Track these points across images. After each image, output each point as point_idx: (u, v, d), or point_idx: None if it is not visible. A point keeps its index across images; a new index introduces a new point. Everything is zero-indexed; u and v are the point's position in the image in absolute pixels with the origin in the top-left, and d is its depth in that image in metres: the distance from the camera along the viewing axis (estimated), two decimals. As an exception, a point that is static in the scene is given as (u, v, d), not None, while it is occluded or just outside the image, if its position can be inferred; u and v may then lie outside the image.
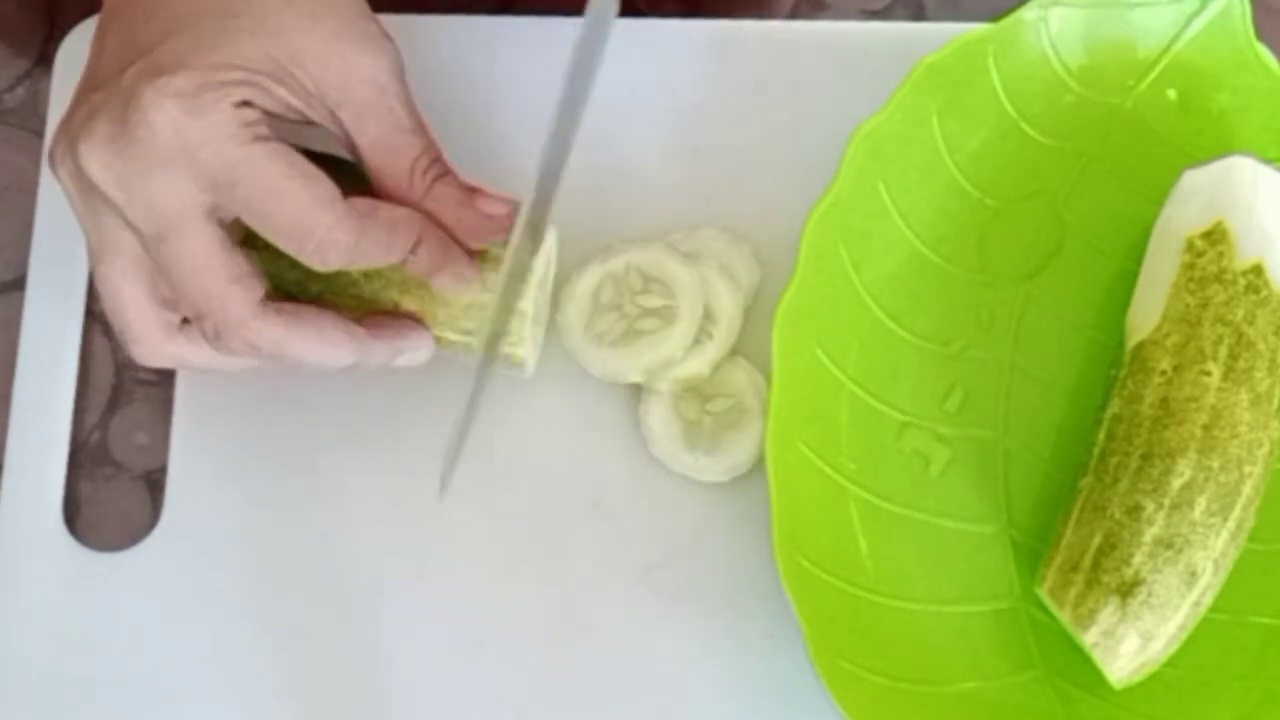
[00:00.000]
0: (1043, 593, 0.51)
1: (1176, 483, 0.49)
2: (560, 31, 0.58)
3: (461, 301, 0.50)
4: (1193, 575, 0.49)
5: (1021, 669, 0.52)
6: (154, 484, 0.55)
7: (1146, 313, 0.52)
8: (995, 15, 0.56)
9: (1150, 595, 0.49)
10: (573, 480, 0.55)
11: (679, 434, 0.54)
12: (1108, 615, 0.49)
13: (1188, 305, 0.51)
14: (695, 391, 0.54)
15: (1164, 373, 0.51)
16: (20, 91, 0.60)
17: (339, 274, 0.49)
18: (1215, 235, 0.52)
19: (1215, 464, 0.49)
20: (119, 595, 0.54)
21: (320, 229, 0.45)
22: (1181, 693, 0.51)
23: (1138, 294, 0.54)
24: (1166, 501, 0.49)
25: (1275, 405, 0.51)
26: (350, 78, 0.47)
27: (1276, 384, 0.51)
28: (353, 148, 0.48)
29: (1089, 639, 0.49)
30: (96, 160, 0.45)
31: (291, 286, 0.49)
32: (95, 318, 0.57)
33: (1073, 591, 0.50)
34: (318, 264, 0.46)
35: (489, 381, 0.49)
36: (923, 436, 0.54)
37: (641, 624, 0.53)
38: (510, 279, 0.48)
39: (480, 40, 0.59)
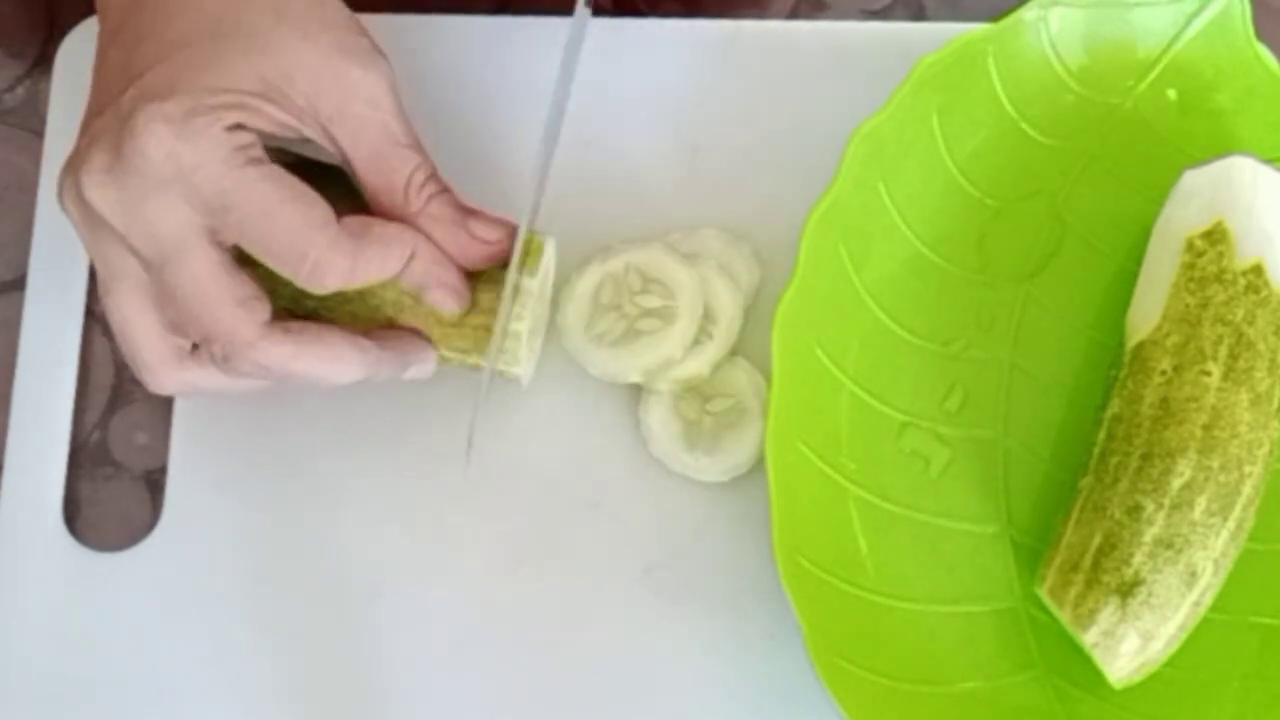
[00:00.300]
0: (1043, 593, 0.51)
1: (1176, 483, 0.49)
2: (558, 31, 0.58)
3: (457, 318, 0.50)
4: (1193, 575, 0.49)
5: (1021, 669, 0.52)
6: (154, 484, 0.55)
7: (1146, 313, 0.52)
8: (995, 15, 0.56)
9: (1150, 595, 0.49)
10: (573, 480, 0.55)
11: (679, 434, 0.54)
12: (1108, 615, 0.49)
13: (1188, 305, 0.51)
14: (695, 391, 0.54)
15: (1164, 373, 0.51)
16: (20, 91, 0.60)
17: (335, 292, 0.49)
18: (1215, 235, 0.52)
19: (1215, 464, 0.49)
20: (119, 595, 0.54)
21: (314, 251, 0.45)
22: (1181, 693, 0.51)
23: (1138, 294, 0.54)
24: (1166, 501, 0.49)
25: (1275, 405, 0.51)
26: (343, 94, 0.46)
27: (1276, 384, 0.51)
28: (347, 163, 0.48)
29: (1089, 639, 0.49)
30: (96, 188, 0.45)
31: (287, 303, 0.49)
32: (95, 318, 0.57)
33: (1073, 591, 0.50)
34: (314, 287, 0.46)
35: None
36: (923, 436, 0.54)
37: (641, 624, 0.53)
38: (506, 300, 0.48)
39: (478, 40, 0.59)
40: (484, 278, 0.50)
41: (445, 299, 0.49)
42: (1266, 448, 0.50)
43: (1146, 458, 0.50)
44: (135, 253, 0.45)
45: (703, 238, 0.56)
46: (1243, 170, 0.52)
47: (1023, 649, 0.52)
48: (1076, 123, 0.57)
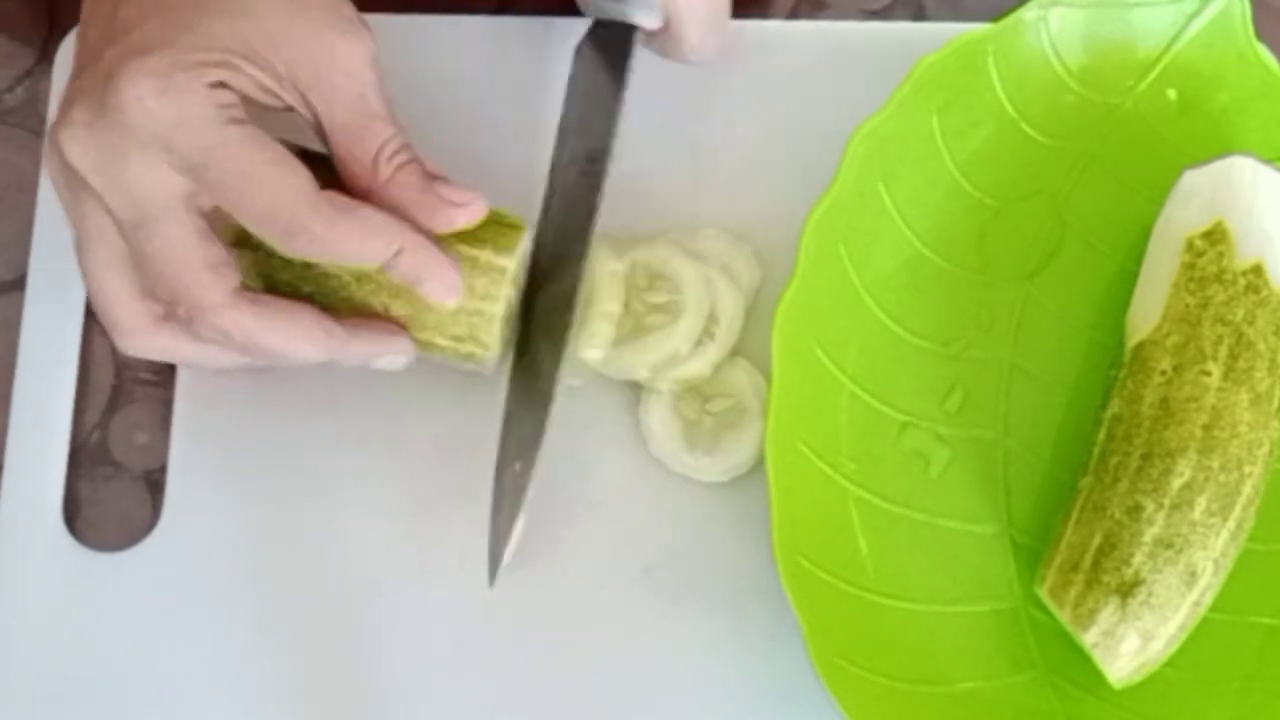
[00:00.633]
0: (1043, 593, 0.51)
1: (1176, 483, 0.49)
2: (560, 31, 0.58)
3: (450, 307, 0.50)
4: (1193, 575, 0.49)
5: (1021, 669, 0.52)
6: (154, 484, 0.55)
7: (1146, 313, 0.52)
8: (995, 15, 0.56)
9: (1150, 595, 0.49)
10: (572, 480, 0.55)
11: (679, 434, 0.54)
12: (1108, 615, 0.49)
13: (1188, 305, 0.51)
14: (695, 391, 0.54)
15: (1164, 373, 0.51)
16: (20, 91, 0.60)
17: (330, 276, 0.49)
18: (1215, 235, 0.52)
19: (1215, 464, 0.49)
20: (119, 595, 0.54)
21: (288, 213, 0.45)
22: (1181, 693, 0.51)
23: (1138, 294, 0.54)
24: (1166, 501, 0.49)
25: (1275, 405, 0.51)
26: (322, 61, 0.46)
27: (1276, 384, 0.51)
28: (320, 130, 0.48)
29: (1089, 639, 0.49)
30: (75, 144, 0.45)
31: (284, 288, 0.49)
32: (95, 318, 0.57)
33: (1073, 591, 0.50)
34: (286, 249, 0.46)
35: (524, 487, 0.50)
36: (923, 436, 0.54)
37: (641, 624, 0.53)
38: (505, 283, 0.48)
39: (478, 40, 0.59)
40: (477, 269, 0.50)
41: (438, 291, 0.49)
42: (1266, 448, 0.50)
43: (1146, 458, 0.50)
44: (112, 213, 0.45)
45: (703, 238, 0.56)
46: (1243, 170, 0.52)
47: (1023, 649, 0.52)
48: (1076, 123, 0.57)
